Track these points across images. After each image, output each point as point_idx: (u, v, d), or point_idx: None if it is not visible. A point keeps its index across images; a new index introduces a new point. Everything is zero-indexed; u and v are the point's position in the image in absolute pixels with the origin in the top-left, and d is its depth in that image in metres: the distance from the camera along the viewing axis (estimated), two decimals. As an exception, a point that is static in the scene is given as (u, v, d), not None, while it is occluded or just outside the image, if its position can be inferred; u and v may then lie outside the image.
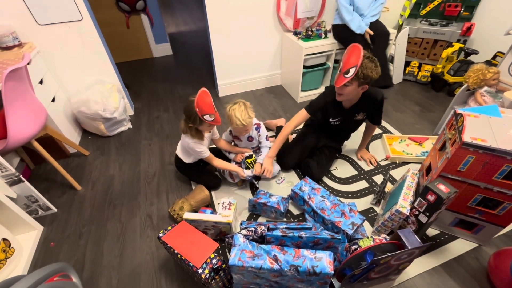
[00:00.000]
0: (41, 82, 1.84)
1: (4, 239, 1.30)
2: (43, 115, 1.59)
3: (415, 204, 1.24)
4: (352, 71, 1.29)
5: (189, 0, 5.90)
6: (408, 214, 1.24)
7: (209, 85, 2.86)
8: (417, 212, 1.24)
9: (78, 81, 2.09)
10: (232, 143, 1.72)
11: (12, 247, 1.33)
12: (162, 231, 1.22)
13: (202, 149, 1.51)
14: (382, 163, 1.82)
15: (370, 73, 1.30)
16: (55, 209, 1.63)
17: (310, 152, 1.74)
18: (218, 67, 2.49)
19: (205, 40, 3.79)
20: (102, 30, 2.13)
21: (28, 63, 1.49)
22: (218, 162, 1.56)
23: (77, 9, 1.84)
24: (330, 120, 1.61)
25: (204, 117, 1.34)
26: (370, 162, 1.79)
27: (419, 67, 2.73)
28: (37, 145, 1.57)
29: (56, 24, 1.85)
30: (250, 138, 1.66)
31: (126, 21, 3.17)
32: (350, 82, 1.33)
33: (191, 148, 1.50)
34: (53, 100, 1.92)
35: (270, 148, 1.65)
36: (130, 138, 2.19)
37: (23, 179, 1.44)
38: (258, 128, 1.65)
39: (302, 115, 1.60)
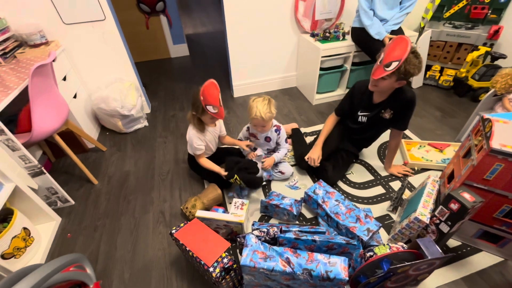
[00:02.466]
0: (64, 78, 1.91)
1: (24, 228, 1.35)
2: (65, 110, 1.65)
3: (436, 213, 1.19)
4: (394, 65, 1.25)
5: (207, 2, 6.00)
6: (428, 222, 1.19)
7: (225, 85, 2.88)
8: (438, 221, 1.18)
9: (99, 79, 2.15)
10: (249, 141, 1.71)
11: (32, 236, 1.38)
12: (174, 228, 1.22)
13: (199, 145, 1.51)
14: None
15: (413, 69, 1.25)
16: (72, 202, 1.67)
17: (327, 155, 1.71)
18: (233, 67, 2.51)
19: (222, 41, 3.83)
20: (123, 30, 2.20)
21: (54, 60, 1.54)
22: (204, 161, 1.57)
23: (100, 9, 1.91)
24: (358, 113, 1.57)
25: (207, 107, 1.34)
26: (408, 172, 1.73)
27: (441, 71, 2.63)
28: (58, 139, 1.63)
29: (81, 23, 1.92)
30: (268, 139, 1.64)
31: (146, 22, 3.25)
32: (389, 75, 1.29)
33: (189, 138, 1.51)
34: (74, 97, 1.98)
35: (288, 150, 1.67)
36: (146, 135, 2.22)
37: (44, 171, 1.49)
38: (278, 130, 1.63)
39: (330, 120, 1.66)
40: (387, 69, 1.27)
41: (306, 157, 1.63)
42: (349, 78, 2.47)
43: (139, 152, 2.05)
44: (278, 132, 1.63)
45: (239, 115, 2.42)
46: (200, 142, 1.51)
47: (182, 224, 1.24)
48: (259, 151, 1.66)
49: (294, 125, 2.08)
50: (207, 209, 1.52)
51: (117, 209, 1.63)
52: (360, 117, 1.59)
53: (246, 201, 1.40)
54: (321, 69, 2.32)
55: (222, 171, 1.53)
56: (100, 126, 2.32)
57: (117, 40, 2.06)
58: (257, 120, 1.49)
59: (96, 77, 2.15)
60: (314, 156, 1.60)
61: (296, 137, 1.95)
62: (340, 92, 2.56)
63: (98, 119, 2.26)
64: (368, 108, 1.55)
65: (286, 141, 1.67)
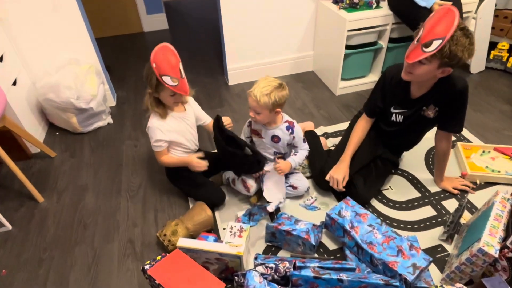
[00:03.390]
0: (0, 59, 1.92)
1: None
2: (1, 101, 1.65)
3: (508, 243, 1.18)
4: (436, 44, 1.24)
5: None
6: (496, 256, 1.18)
7: (217, 69, 2.90)
8: (511, 254, 1.17)
9: (47, 60, 2.16)
10: (249, 142, 1.71)
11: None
12: (148, 262, 1.22)
13: (157, 140, 1.53)
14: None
15: (461, 52, 1.24)
16: (9, 226, 1.66)
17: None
18: (228, 46, 2.51)
19: (213, 11, 3.83)
20: (81, -5, 2.21)
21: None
22: (167, 159, 1.61)
23: (50, -33, 1.93)
24: (392, 110, 1.59)
25: (163, 78, 1.36)
26: (467, 186, 1.73)
27: (510, 50, 2.64)
28: (-9, 141, 1.63)
29: (23, -15, 1.95)
30: (276, 139, 1.63)
31: (111, -15, 3.30)
32: (429, 59, 1.28)
33: (149, 130, 1.55)
34: (14, 84, 1.99)
35: (308, 151, 1.68)
36: (110, 136, 2.22)
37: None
38: (290, 128, 1.62)
39: (361, 124, 1.67)
40: (426, 49, 1.26)
41: (327, 177, 1.63)
42: (385, 59, 2.47)
43: (100, 159, 2.05)
44: (290, 131, 1.62)
45: (236, 109, 2.43)
46: (160, 135, 1.53)
47: (158, 257, 1.23)
48: (267, 166, 1.66)
49: (310, 125, 2.09)
50: (193, 236, 1.52)
51: (70, 237, 1.61)
52: (393, 115, 1.60)
53: (246, 226, 1.39)
54: (348, 47, 2.32)
55: (202, 164, 1.55)
56: (48, 124, 2.31)
57: (72, 8, 2.07)
58: (250, 98, 1.49)
59: (43, 58, 2.16)
60: (338, 176, 1.59)
61: (311, 143, 1.95)
62: (373, 79, 2.56)
63: (45, 115, 2.26)
64: (404, 104, 1.55)
65: (304, 141, 1.67)
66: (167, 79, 1.38)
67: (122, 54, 3.20)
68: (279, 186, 1.66)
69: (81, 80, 2.11)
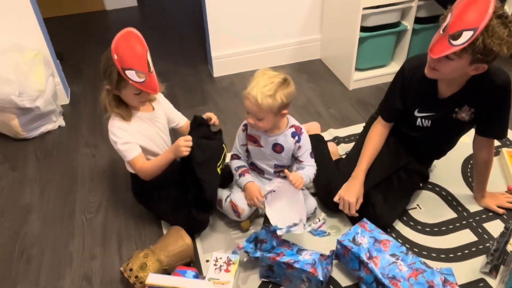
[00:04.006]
0: None
1: None
2: None
3: None
4: (467, 36, 1.22)
5: None
6: (553, 293, 1.17)
7: (198, 57, 2.90)
8: None
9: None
10: (240, 169, 1.67)
11: None
12: (108, 307, 1.19)
13: (125, 140, 1.50)
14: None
15: (498, 46, 1.22)
16: None
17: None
18: (213, 28, 2.52)
19: (193, -16, 3.87)
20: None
21: None
22: (147, 165, 1.55)
23: None
24: (416, 114, 1.59)
25: (127, 72, 1.35)
26: None
27: None
28: None
29: None
30: (278, 148, 1.61)
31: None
32: (458, 54, 1.27)
33: (110, 134, 1.53)
34: None
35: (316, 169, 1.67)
36: (62, 143, 2.20)
37: None
38: (297, 134, 1.61)
39: (377, 131, 1.67)
40: (454, 42, 1.25)
41: (336, 199, 1.63)
42: (410, 44, 2.49)
43: (49, 172, 2.03)
44: (297, 138, 1.60)
45: (224, 108, 2.43)
46: (125, 137, 1.50)
47: (122, 300, 1.20)
48: (268, 186, 1.62)
49: (315, 127, 2.08)
50: (168, 271, 1.49)
51: (9, 273, 1.58)
52: (419, 119, 1.60)
53: (235, 257, 1.38)
54: (364, 29, 2.34)
55: (189, 139, 1.49)
56: (-19, 128, 2.30)
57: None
58: (248, 102, 1.47)
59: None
60: (350, 197, 1.58)
61: (316, 150, 1.94)
62: (396, 69, 2.52)
63: (-21, 116, 2.23)
64: (430, 105, 1.56)
65: (311, 156, 1.67)
66: (131, 74, 1.36)
67: (78, 38, 3.19)
68: (296, 204, 1.59)
69: (24, 72, 2.09)
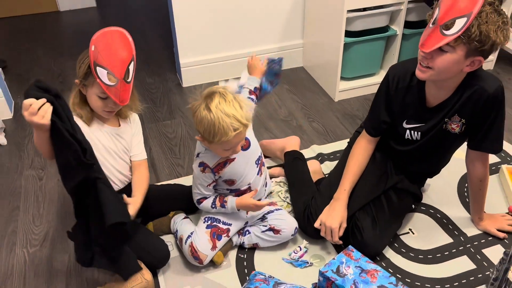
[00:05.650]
0: None
1: None
2: None
3: None
4: (461, 23, 1.26)
5: None
6: None
7: (165, 65, 2.88)
8: None
9: None
10: (217, 201, 1.66)
11: None
12: None
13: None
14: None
15: (494, 32, 1.26)
16: None
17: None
18: (181, 32, 2.51)
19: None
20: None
21: None
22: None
23: None
24: (405, 126, 1.61)
25: (97, 68, 1.35)
26: None
27: None
28: None
29: None
30: (246, 143, 1.63)
31: None
32: (453, 45, 1.30)
33: None
34: None
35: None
36: (3, 165, 2.17)
37: None
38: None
39: (360, 146, 1.70)
40: (446, 32, 1.29)
41: (317, 224, 1.64)
42: (400, 50, 2.50)
43: (-15, 199, 1.94)
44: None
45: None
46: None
47: None
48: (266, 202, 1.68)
49: (293, 143, 2.08)
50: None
51: None
52: (408, 131, 1.62)
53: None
54: (349, 34, 2.34)
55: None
56: None
57: None
58: (236, 138, 1.46)
59: None
60: (332, 222, 1.59)
61: (293, 169, 1.94)
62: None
63: None
64: (418, 115, 1.58)
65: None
66: (101, 73, 1.35)
67: (25, 43, 3.14)
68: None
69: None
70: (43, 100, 1.14)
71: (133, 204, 1.51)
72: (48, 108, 1.14)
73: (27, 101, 1.13)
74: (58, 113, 1.17)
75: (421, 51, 1.37)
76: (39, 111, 1.13)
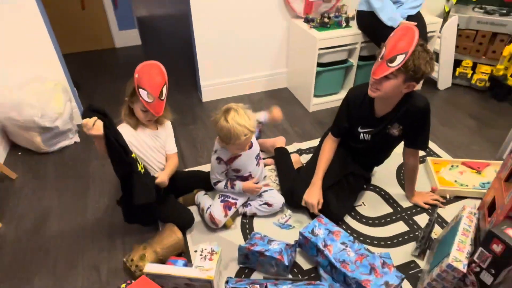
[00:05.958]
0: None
1: None
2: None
3: (475, 257, 1.20)
4: (400, 59, 1.31)
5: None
6: (465, 271, 1.20)
7: (190, 86, 2.89)
8: (478, 269, 1.19)
9: (9, 77, 2.09)
10: (228, 184, 1.67)
11: None
12: (112, 291, 1.17)
13: (121, 130, 1.37)
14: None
15: (424, 65, 1.32)
16: (-39, 256, 1.56)
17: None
18: (202, 62, 2.53)
19: (186, 27, 3.84)
20: (47, 10, 2.16)
21: None
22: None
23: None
24: (359, 130, 1.64)
25: (140, 90, 1.38)
26: (437, 201, 1.78)
27: (474, 68, 2.78)
28: None
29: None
30: (250, 144, 1.66)
31: (81, 0, 3.25)
32: (395, 74, 1.34)
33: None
34: (-29, 102, 1.91)
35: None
36: (77, 156, 2.17)
37: None
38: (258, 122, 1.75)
39: (328, 145, 1.71)
40: (390, 64, 1.33)
41: (303, 203, 1.67)
42: (356, 76, 2.55)
43: (65, 180, 2.00)
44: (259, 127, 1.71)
45: (210, 127, 2.41)
46: (125, 133, 1.42)
47: (123, 285, 1.18)
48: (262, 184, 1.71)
49: (281, 141, 2.10)
50: (162, 261, 1.48)
51: (29, 266, 1.54)
52: (362, 134, 1.65)
53: (218, 249, 1.37)
54: (319, 65, 2.38)
55: None
56: (9, 143, 2.23)
57: (37, 23, 2.03)
58: (245, 141, 1.50)
59: (4, 74, 2.09)
60: (313, 200, 1.62)
61: (280, 160, 1.97)
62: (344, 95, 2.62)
63: (7, 133, 2.18)
64: (369, 123, 1.61)
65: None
66: (143, 93, 1.38)
67: (92, 70, 3.15)
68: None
69: (46, 98, 2.05)
70: (95, 118, 1.20)
71: (162, 174, 1.54)
72: (99, 123, 1.20)
73: (84, 121, 1.20)
74: (106, 126, 1.21)
75: (372, 77, 1.41)
76: (94, 126, 1.18)
